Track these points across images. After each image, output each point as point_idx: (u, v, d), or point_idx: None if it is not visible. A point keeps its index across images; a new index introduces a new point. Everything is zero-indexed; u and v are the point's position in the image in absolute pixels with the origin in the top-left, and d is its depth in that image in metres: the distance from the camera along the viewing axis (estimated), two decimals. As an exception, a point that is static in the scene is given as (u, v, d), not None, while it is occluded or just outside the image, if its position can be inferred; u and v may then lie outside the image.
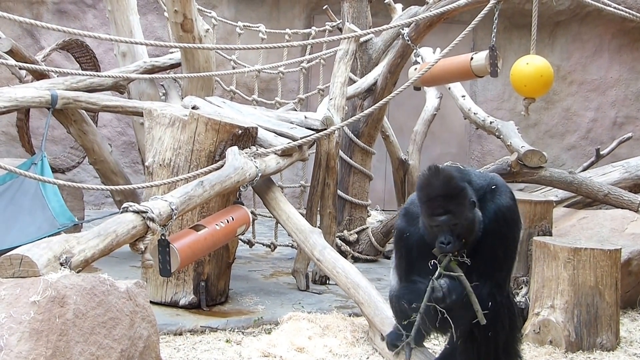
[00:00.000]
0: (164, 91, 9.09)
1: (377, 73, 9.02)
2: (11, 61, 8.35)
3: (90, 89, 8.50)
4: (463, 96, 10.21)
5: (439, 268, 4.53)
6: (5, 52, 8.66)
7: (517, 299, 6.86)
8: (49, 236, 5.69)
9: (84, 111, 8.66)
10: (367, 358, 6.00)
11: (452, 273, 4.54)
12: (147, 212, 5.59)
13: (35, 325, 4.55)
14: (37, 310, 4.60)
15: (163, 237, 5.75)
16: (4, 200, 7.20)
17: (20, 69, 9.17)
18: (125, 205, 5.68)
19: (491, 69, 7.34)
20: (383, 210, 12.05)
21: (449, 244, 4.50)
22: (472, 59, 7.58)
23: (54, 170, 8.01)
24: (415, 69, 8.02)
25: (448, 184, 4.49)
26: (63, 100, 7.94)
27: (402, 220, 4.84)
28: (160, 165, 6.94)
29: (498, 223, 4.63)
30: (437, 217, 4.49)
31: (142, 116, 7.65)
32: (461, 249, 4.55)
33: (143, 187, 6.79)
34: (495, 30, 7.00)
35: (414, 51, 8.24)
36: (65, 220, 7.11)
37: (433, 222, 4.51)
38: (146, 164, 7.10)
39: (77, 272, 5.04)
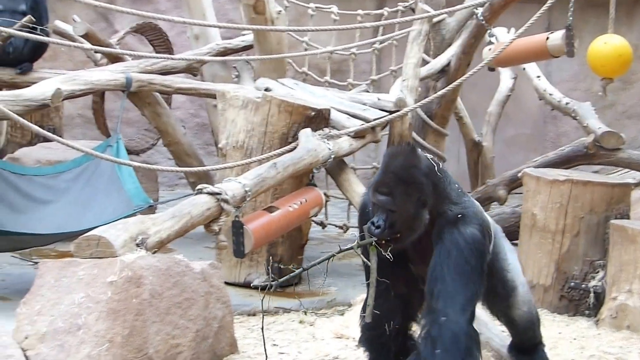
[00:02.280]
0: (236, 73, 9.10)
1: (450, 54, 8.93)
2: (86, 45, 8.45)
3: (164, 72, 8.54)
4: (538, 77, 10.06)
5: (355, 243, 4.30)
6: (81, 36, 8.76)
7: (593, 283, 6.76)
8: (124, 217, 5.76)
9: (157, 93, 8.72)
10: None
11: (362, 257, 4.31)
12: (221, 193, 5.63)
13: (113, 305, 4.61)
14: (114, 290, 4.66)
15: (237, 219, 5.78)
16: (80, 182, 7.30)
17: (95, 52, 9.29)
18: (199, 186, 5.72)
19: (567, 48, 7.23)
20: (456, 192, 11.94)
21: (378, 228, 4.22)
22: (547, 38, 7.47)
23: (129, 152, 8.07)
24: (490, 49, 7.92)
25: (407, 169, 4.22)
26: (137, 83, 8.01)
27: (366, 195, 4.62)
28: (234, 147, 6.96)
29: (455, 249, 4.25)
30: (379, 194, 4.24)
31: (215, 98, 7.68)
32: (390, 241, 4.22)
33: (216, 169, 6.83)
34: (571, 9, 6.89)
35: (488, 31, 8.13)
36: (141, 201, 7.17)
37: (374, 197, 4.27)
38: (219, 145, 7.13)
39: (153, 253, 5.09)
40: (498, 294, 4.79)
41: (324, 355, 5.61)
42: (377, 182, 4.28)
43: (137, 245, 5.07)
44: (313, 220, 8.20)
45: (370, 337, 4.71)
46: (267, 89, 7.45)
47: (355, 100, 7.88)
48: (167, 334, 4.80)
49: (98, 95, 9.30)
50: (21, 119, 6.22)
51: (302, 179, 6.90)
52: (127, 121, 10.56)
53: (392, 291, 4.56)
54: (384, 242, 4.23)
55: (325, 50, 8.54)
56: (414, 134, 8.76)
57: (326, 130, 6.98)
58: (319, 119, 6.96)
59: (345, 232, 9.39)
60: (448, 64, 8.92)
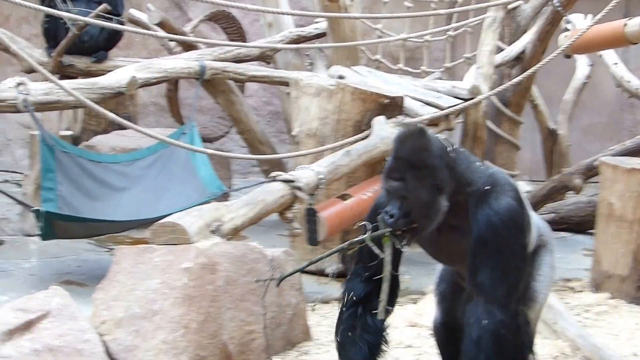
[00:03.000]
0: (309, 61, 9.10)
1: (525, 41, 8.81)
2: (161, 33, 8.51)
3: (238, 60, 8.57)
4: (615, 64, 9.89)
5: (367, 234, 3.98)
6: (155, 24, 8.82)
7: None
8: (198, 205, 5.79)
9: (231, 81, 8.75)
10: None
11: (376, 249, 3.94)
12: (294, 181, 5.63)
13: (188, 291, 4.64)
14: (190, 276, 4.68)
15: (311, 206, 5.78)
16: (155, 170, 7.36)
17: (169, 40, 9.34)
18: (273, 174, 5.73)
19: (646, 35, 7.10)
20: (531, 180, 11.80)
21: (392, 217, 3.88)
22: (625, 25, 7.33)
23: (202, 139, 8.12)
24: (566, 36, 7.80)
25: (418, 152, 3.90)
26: (211, 71, 8.04)
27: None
28: (307, 134, 6.95)
29: (491, 233, 3.93)
30: (391, 180, 3.92)
31: (289, 86, 7.69)
32: (406, 232, 3.90)
33: (290, 157, 6.85)
34: (651, -6, 6.75)
35: (565, 18, 8.02)
36: (215, 188, 7.20)
37: (386, 184, 3.96)
38: (293, 133, 7.13)
39: (227, 240, 5.11)
40: (521, 299, 4.41)
41: (397, 343, 5.57)
42: (389, 168, 3.95)
43: (212, 232, 5.09)
44: (386, 208, 8.12)
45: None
46: (340, 77, 7.42)
47: (429, 87, 7.83)
48: (241, 320, 4.82)
49: (172, 83, 9.36)
50: (97, 107, 6.29)
51: (376, 166, 6.86)
52: (200, 109, 10.61)
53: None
54: (399, 232, 3.91)
55: (399, 37, 8.50)
56: (489, 122, 8.68)
57: (400, 118, 6.94)
58: (392, 107, 6.91)
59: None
60: (523, 51, 8.81)
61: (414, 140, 3.91)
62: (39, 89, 6.77)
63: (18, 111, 6.74)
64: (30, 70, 7.56)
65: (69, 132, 8.91)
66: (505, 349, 3.87)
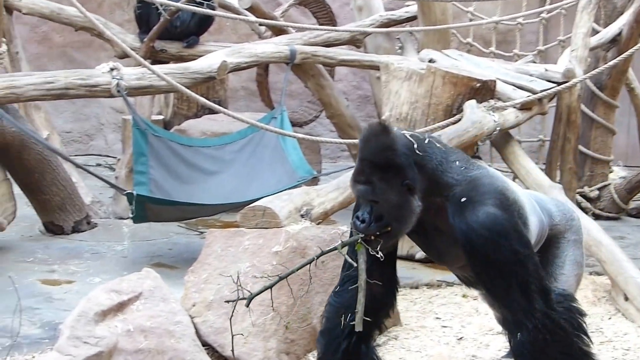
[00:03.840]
0: (400, 44, 9.04)
1: (622, 22, 8.61)
2: (251, 17, 8.54)
3: (328, 44, 8.56)
4: None
5: (339, 242, 3.82)
6: (246, 9, 8.85)
7: None
8: (288, 189, 5.80)
9: (321, 66, 8.75)
10: (609, 318, 5.79)
11: (348, 258, 3.78)
12: (385, 165, 5.59)
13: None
14: (279, 260, 4.70)
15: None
16: (245, 154, 7.40)
17: (259, 25, 9.37)
18: (363, 158, 5.70)
19: None
20: (626, 166, 11.56)
21: (363, 222, 3.70)
22: None
23: (292, 124, 8.13)
24: (664, 17, 7.62)
25: (382, 152, 3.66)
26: (301, 55, 8.04)
27: None
28: (397, 119, 6.90)
29: (478, 252, 3.68)
30: (357, 184, 3.73)
31: (379, 70, 7.65)
32: (380, 237, 3.72)
33: (380, 141, 6.79)
34: None
35: (663, -2, 7.83)
36: (304, 173, 7.21)
37: (353, 188, 3.78)
38: (383, 117, 7.09)
39: (317, 224, 5.11)
40: None
41: (488, 330, 5.53)
42: (355, 171, 3.74)
43: (302, 216, 5.10)
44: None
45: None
46: (431, 61, 7.35)
47: (521, 71, 7.71)
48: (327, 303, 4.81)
49: (262, 67, 9.40)
50: (189, 91, 6.34)
51: (467, 151, 6.77)
52: (290, 93, 10.62)
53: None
54: (372, 238, 3.73)
55: (491, 20, 8.38)
56: (583, 106, 8.52)
57: (491, 102, 6.85)
58: (484, 91, 6.82)
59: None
60: (619, 34, 8.61)
61: (377, 140, 3.68)
62: (132, 73, 6.86)
63: (111, 96, 6.84)
64: (123, 56, 7.67)
65: (161, 117, 9.02)
66: (549, 349, 3.71)
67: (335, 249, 3.83)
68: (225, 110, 6.66)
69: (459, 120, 6.51)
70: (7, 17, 7.91)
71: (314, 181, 7.34)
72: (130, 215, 6.61)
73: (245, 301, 3.89)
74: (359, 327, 3.72)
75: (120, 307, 4.47)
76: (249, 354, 4.62)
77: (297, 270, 3.91)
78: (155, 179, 6.89)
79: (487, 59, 8.62)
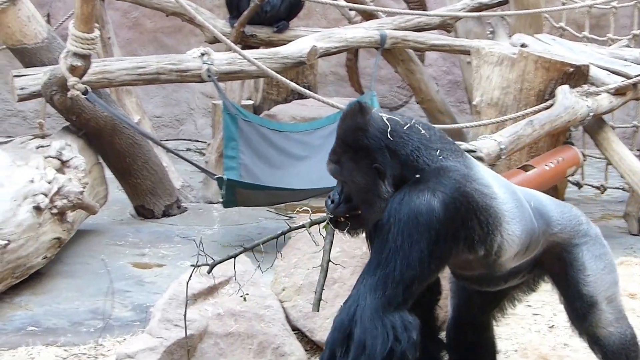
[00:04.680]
0: (491, 29, 8.93)
1: None
2: (341, 2, 8.51)
3: (418, 28, 8.49)
4: None
5: (308, 221, 3.79)
6: (339, -7, 8.84)
7: None
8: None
9: (411, 50, 8.69)
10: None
11: (313, 237, 3.71)
12: (475, 151, 5.54)
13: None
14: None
15: (491, 177, 5.68)
16: (333, 139, 7.38)
17: (349, 10, 9.35)
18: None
19: None
20: None
21: (333, 202, 3.60)
22: None
23: (382, 108, 8.10)
24: None
25: (354, 132, 3.51)
26: (391, 40, 8.00)
27: None
28: (488, 104, 6.83)
29: (387, 219, 3.43)
30: (329, 162, 3.62)
31: (469, 55, 7.57)
32: (349, 220, 3.59)
33: (470, 126, 6.75)
34: None
35: None
36: (395, 157, 7.17)
37: (327, 167, 3.65)
38: (473, 103, 7.02)
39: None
40: (576, 310, 4.02)
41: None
42: (330, 149, 3.63)
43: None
44: (569, 180, 7.96)
45: None
46: (523, 45, 7.24)
47: (615, 56, 7.56)
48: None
49: (352, 52, 9.38)
50: (279, 76, 6.36)
51: (559, 137, 6.70)
52: (379, 78, 10.59)
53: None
54: (342, 219, 3.62)
55: (584, 4, 8.23)
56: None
57: (585, 87, 6.73)
58: (577, 76, 6.71)
59: (602, 192, 9.05)
60: None
61: (351, 120, 3.54)
62: (222, 58, 6.90)
63: (202, 81, 6.90)
64: (214, 41, 7.73)
65: (250, 102, 9.05)
66: (338, 330, 3.43)
67: (303, 226, 3.82)
68: (315, 95, 6.65)
69: (551, 105, 6.42)
70: (100, 3, 8.03)
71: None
72: (220, 200, 6.66)
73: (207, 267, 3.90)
74: (315, 309, 3.69)
75: (210, 290, 4.49)
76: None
77: (263, 243, 3.88)
78: (245, 163, 6.93)
79: (580, 43, 8.45)
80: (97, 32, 5.89)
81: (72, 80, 5.97)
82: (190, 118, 12.25)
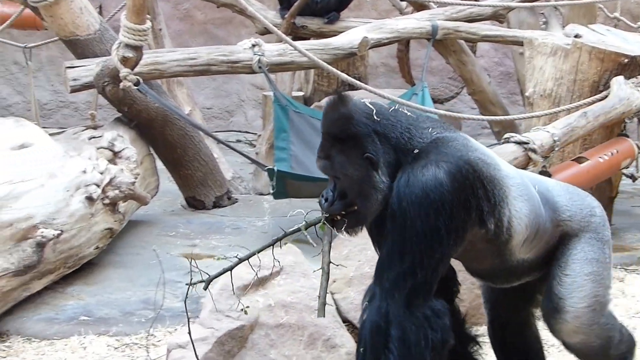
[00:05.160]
0: (544, 19, 8.85)
1: None
2: (393, -7, 8.49)
3: (470, 19, 8.42)
4: None
5: (303, 223, 3.58)
6: (387, -15, 8.80)
7: None
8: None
9: (463, 41, 8.63)
10: None
11: (310, 239, 3.54)
12: (528, 142, 5.52)
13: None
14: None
15: (544, 169, 5.64)
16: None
17: (400, 0, 9.30)
18: (506, 135, 5.64)
19: None
20: None
21: (327, 201, 3.44)
22: None
23: (433, 100, 8.06)
24: None
25: (338, 121, 3.36)
26: (443, 31, 7.94)
27: None
28: (541, 95, 6.76)
29: (398, 205, 3.29)
30: (318, 159, 3.47)
31: (522, 46, 7.49)
32: (346, 217, 3.43)
33: (523, 118, 6.69)
34: None
35: None
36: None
37: (317, 165, 3.50)
38: (526, 94, 6.95)
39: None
40: (543, 307, 3.80)
41: (635, 313, 5.40)
42: (319, 146, 3.48)
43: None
44: (623, 173, 7.84)
45: None
46: (576, 36, 7.14)
47: (672, 46, 7.44)
48: (472, 283, 4.73)
49: (403, 43, 9.33)
50: (330, 67, 6.33)
51: (614, 129, 6.61)
52: (430, 70, 10.53)
53: None
54: (338, 218, 3.45)
55: (640, -6, 8.09)
56: None
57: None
58: (632, 67, 6.61)
59: (657, 186, 8.93)
60: None
61: (333, 111, 3.39)
62: (273, 50, 6.90)
63: (253, 72, 6.89)
64: (264, 32, 7.73)
65: (301, 93, 9.05)
66: (374, 336, 3.32)
67: (299, 229, 3.59)
68: (366, 86, 6.61)
69: (606, 97, 6.34)
70: (151, -6, 8.06)
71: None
72: (271, 191, 6.65)
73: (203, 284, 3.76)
74: (320, 314, 3.52)
75: (261, 281, 4.49)
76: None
77: (258, 252, 3.70)
78: (296, 155, 6.92)
79: (635, 33, 8.33)
80: (148, 24, 5.90)
81: (124, 71, 5.99)
82: (241, 109, 12.28)
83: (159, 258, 5.79)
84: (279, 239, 3.70)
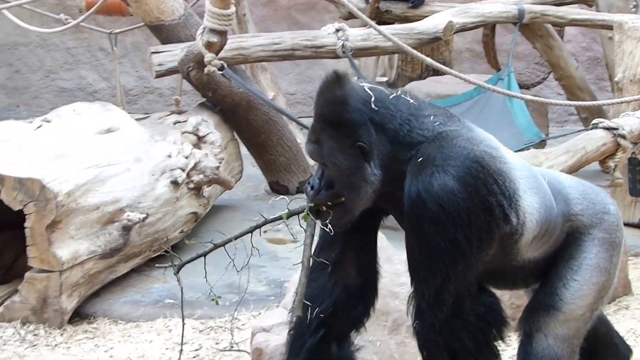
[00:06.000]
0: (634, 3, 8.64)
1: None
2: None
3: (557, 3, 8.28)
4: None
5: (285, 212, 3.36)
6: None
7: None
8: (515, 152, 5.67)
9: (550, 26, 8.49)
10: None
11: (290, 230, 3.40)
12: (617, 128, 5.42)
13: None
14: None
15: (634, 156, 5.54)
16: (471, 115, 7.28)
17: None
18: (595, 121, 5.55)
19: None
20: None
21: (313, 188, 3.20)
22: None
23: (519, 86, 7.95)
24: None
25: (331, 105, 3.11)
26: (530, 15, 7.82)
27: None
28: (631, 80, 6.62)
29: (415, 219, 3.07)
30: (307, 142, 3.22)
31: (611, 30, 7.35)
32: (332, 208, 3.19)
33: (611, 104, 6.55)
34: None
35: None
36: (532, 136, 7.05)
37: (305, 148, 3.28)
38: (615, 79, 6.81)
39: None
40: (537, 300, 3.50)
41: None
42: (310, 128, 3.23)
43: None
44: None
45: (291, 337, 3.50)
46: (668, 19, 7.00)
47: None
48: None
49: (489, 28, 9.21)
50: (415, 52, 6.27)
51: None
52: (516, 55, 10.39)
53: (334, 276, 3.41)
54: (324, 208, 3.21)
55: None
56: None
57: None
58: None
59: None
60: None
61: (328, 92, 3.11)
62: (357, 34, 6.87)
63: (336, 57, 6.87)
64: (348, 17, 7.69)
65: (384, 78, 9.00)
66: (439, 352, 3.14)
67: (280, 217, 3.38)
68: (452, 71, 6.53)
69: (700, 82, 6.19)
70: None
71: (541, 144, 7.15)
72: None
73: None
74: (297, 312, 3.25)
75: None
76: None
77: (236, 238, 3.53)
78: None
79: None
80: (233, 9, 5.91)
81: (208, 56, 6.01)
82: (324, 95, 12.25)
83: (243, 243, 5.81)
84: (259, 226, 3.51)
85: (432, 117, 3.18)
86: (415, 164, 3.08)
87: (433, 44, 7.99)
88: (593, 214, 3.44)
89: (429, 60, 6.35)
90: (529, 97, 6.74)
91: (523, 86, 9.30)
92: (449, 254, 3.06)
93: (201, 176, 6.04)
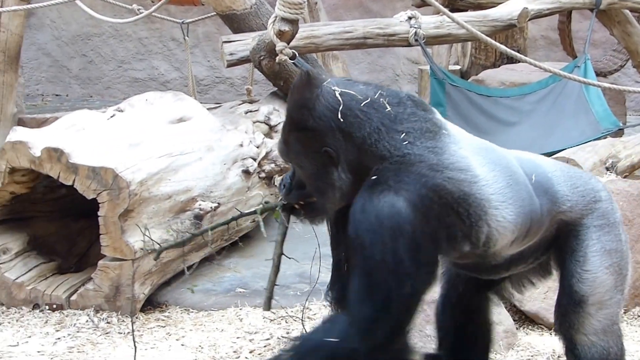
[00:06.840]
0: None
1: None
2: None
3: (636, -12, 8.12)
4: None
5: (259, 207, 3.33)
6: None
7: None
8: (592, 140, 5.58)
9: (628, 11, 8.32)
10: None
11: (262, 225, 3.31)
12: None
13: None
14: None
15: None
16: (546, 104, 7.18)
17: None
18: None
19: None
20: None
21: (284, 187, 3.17)
22: None
23: (596, 73, 7.80)
24: None
25: (299, 109, 3.03)
26: (607, 1, 7.68)
27: None
28: None
29: (354, 235, 2.92)
30: (279, 140, 3.17)
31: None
32: (303, 207, 3.17)
33: (693, 91, 6.40)
34: None
35: None
36: (609, 124, 6.91)
37: (277, 145, 3.23)
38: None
39: (623, 178, 4.85)
40: (561, 305, 3.44)
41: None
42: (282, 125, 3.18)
43: (607, 168, 4.88)
44: None
45: None
46: None
47: None
48: (636, 262, 4.56)
49: (565, 14, 9.07)
50: (489, 39, 6.17)
51: None
52: (593, 42, 10.21)
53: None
54: (296, 206, 3.19)
55: None
56: None
57: None
58: None
59: None
60: None
61: (298, 94, 3.04)
62: (430, 22, 6.79)
63: (409, 45, 6.81)
64: (421, 5, 7.61)
65: (458, 67, 8.92)
66: None
67: (254, 212, 3.36)
68: (527, 58, 6.41)
69: None
70: (308, -32, 8.04)
71: (618, 133, 7.01)
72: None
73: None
74: (266, 308, 3.25)
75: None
76: (548, 310, 4.47)
77: (212, 229, 3.52)
78: (452, 129, 6.82)
79: None
80: (305, -3, 5.88)
81: (280, 45, 5.97)
82: (396, 84, 12.21)
83: (314, 232, 5.78)
84: (234, 219, 3.48)
85: (403, 135, 3.02)
86: (368, 182, 2.97)
87: (507, 31, 7.88)
88: (583, 207, 3.39)
89: (503, 47, 6.23)
90: (606, 84, 6.58)
91: (600, 74, 9.15)
92: (392, 274, 2.89)
93: (272, 165, 6.02)
